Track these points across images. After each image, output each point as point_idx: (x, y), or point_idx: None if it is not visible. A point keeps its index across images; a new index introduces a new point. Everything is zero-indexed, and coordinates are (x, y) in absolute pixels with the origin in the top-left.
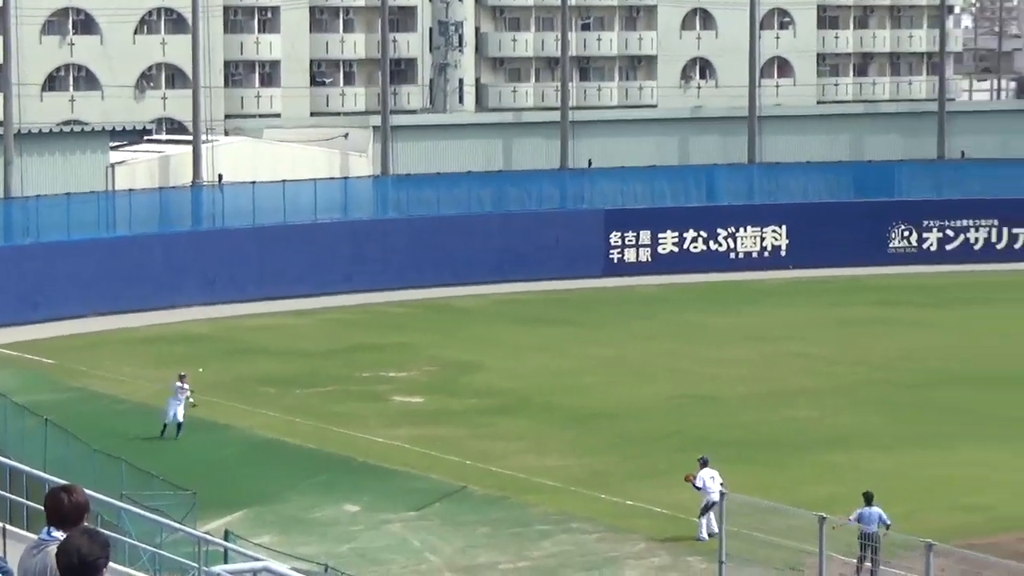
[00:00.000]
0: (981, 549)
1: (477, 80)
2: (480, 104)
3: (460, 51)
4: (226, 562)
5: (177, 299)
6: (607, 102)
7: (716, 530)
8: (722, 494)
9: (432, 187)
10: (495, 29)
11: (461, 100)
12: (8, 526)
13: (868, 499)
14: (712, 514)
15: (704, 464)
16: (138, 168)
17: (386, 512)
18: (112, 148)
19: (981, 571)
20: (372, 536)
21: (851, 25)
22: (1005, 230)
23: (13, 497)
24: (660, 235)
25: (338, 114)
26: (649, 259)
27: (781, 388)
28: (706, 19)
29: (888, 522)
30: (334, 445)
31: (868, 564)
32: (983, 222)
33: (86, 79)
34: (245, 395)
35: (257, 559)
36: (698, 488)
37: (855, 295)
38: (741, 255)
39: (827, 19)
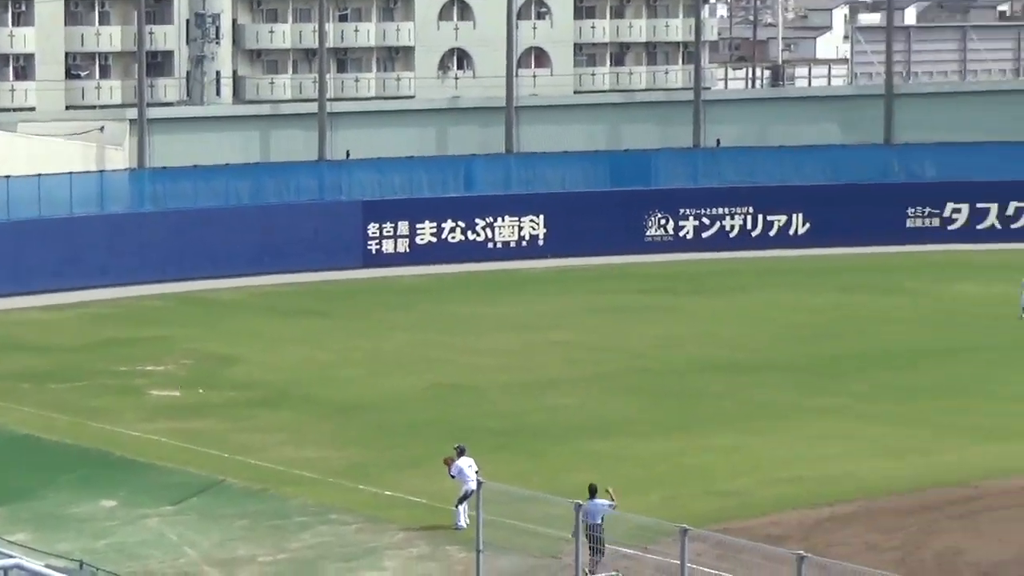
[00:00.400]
0: (736, 533)
1: (234, 72)
2: (238, 96)
3: (217, 43)
4: None
5: None
6: (365, 93)
7: (464, 525)
8: (479, 483)
9: (189, 180)
10: (252, 21)
11: (218, 92)
12: None
13: (592, 492)
14: (466, 503)
15: (461, 453)
16: None
17: (144, 507)
18: None
19: (736, 555)
20: (130, 531)
21: (607, 15)
22: (760, 217)
23: None
24: (418, 226)
25: (94, 107)
26: (407, 249)
27: (541, 377)
28: (463, 10)
29: (614, 503)
30: (91, 440)
31: (597, 556)
32: (738, 209)
33: None
34: (0, 391)
35: (9, 556)
36: (453, 477)
37: (613, 283)
38: (499, 245)
39: (584, 9)
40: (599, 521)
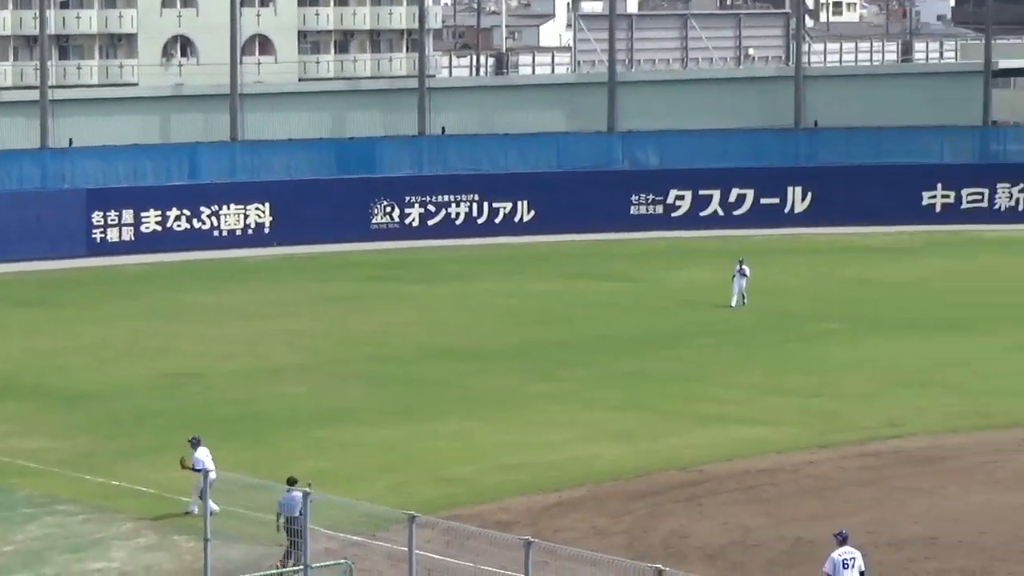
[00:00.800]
0: (464, 520)
1: None
2: None
3: None
4: None
5: None
6: (88, 80)
7: (216, 508)
8: (206, 472)
9: None
10: None
11: None
12: None
13: (290, 483)
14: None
15: (196, 444)
16: None
17: None
18: None
19: (464, 541)
20: None
21: (331, 2)
22: (485, 204)
23: None
24: (143, 214)
25: None
26: (133, 238)
27: (268, 365)
28: None
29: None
30: None
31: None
32: (464, 197)
33: None
34: None
35: None
36: (198, 470)
37: (340, 271)
38: (225, 233)
39: None
40: (297, 514)
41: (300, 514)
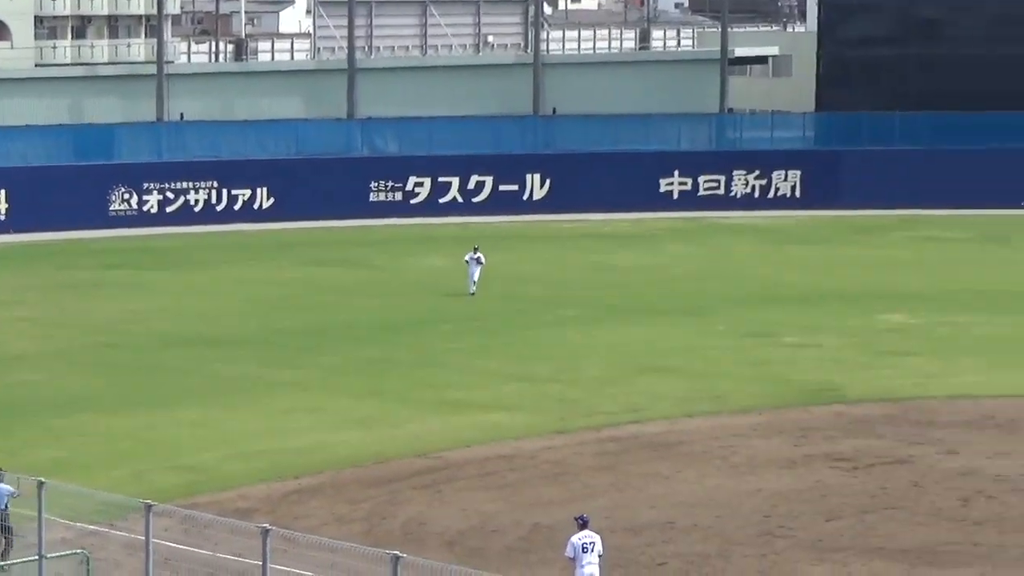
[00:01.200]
0: (203, 508)
1: None
2: None
3: None
4: None
5: None
6: None
7: None
8: None
9: None
10: None
11: None
12: None
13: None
14: None
15: None
16: None
17: None
18: None
19: (202, 529)
20: None
21: None
22: (224, 191)
23: None
24: None
25: None
26: None
27: (3, 352)
28: None
29: (18, 494)
30: None
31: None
32: (202, 184)
33: None
34: None
35: None
36: None
37: (77, 259)
38: None
39: None
40: (3, 507)
41: (5, 507)
